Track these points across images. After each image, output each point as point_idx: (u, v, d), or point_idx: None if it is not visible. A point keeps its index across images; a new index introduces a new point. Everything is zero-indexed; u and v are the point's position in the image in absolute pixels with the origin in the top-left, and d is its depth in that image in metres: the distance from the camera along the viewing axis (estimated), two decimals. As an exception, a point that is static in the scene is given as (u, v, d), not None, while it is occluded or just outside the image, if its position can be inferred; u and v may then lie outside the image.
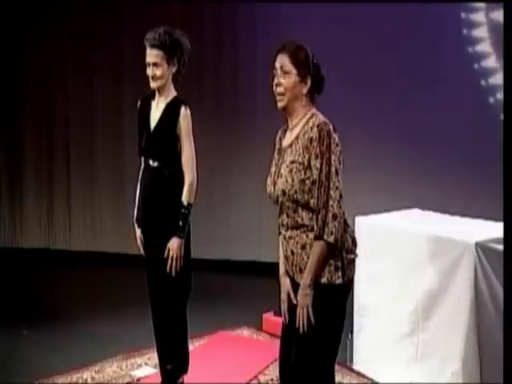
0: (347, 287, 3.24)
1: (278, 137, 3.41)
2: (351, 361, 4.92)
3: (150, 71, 4.18)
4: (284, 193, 3.20)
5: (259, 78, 7.36)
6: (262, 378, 4.86)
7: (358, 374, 4.73)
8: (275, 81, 3.24)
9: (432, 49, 6.66)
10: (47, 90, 7.94)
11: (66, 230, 8.06)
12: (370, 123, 6.87)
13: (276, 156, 3.36)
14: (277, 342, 3.43)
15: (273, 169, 3.34)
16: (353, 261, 3.25)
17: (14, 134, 8.03)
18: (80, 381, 4.86)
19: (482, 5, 6.62)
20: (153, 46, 4.13)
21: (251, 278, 6.82)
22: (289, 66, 3.21)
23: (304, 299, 3.13)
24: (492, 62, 6.61)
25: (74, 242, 8.04)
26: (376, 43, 6.79)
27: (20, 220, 8.15)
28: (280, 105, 3.25)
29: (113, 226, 7.85)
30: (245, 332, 5.73)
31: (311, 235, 3.16)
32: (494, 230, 4.28)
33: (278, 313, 5.44)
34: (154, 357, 4.83)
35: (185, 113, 4.18)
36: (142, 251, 4.40)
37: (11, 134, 8.03)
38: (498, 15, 6.33)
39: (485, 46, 6.64)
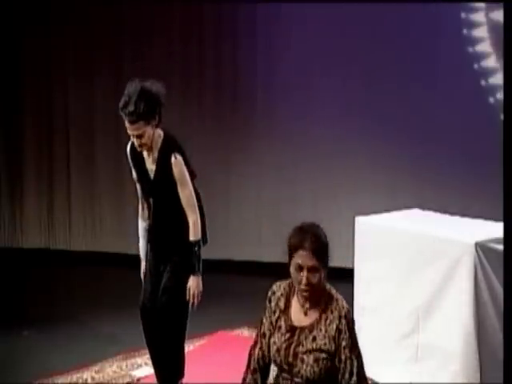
0: None
1: (274, 301, 3.25)
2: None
3: (135, 141, 4.13)
4: (309, 381, 3.06)
5: (259, 78, 7.37)
6: (261, 378, 4.85)
7: (358, 373, 4.72)
8: (304, 280, 3.00)
9: (432, 49, 6.66)
10: (47, 89, 7.93)
11: (66, 230, 8.05)
12: (369, 123, 6.86)
13: (284, 331, 3.15)
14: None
15: (281, 343, 3.12)
16: None
17: (14, 134, 8.02)
18: (80, 381, 4.86)
19: (482, 5, 6.63)
20: (132, 122, 4.04)
21: (251, 278, 6.80)
22: (316, 263, 3.00)
23: None
24: (492, 61, 6.61)
25: (74, 242, 8.03)
26: (376, 43, 6.79)
27: (20, 220, 8.14)
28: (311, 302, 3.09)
29: (113, 226, 7.84)
30: (245, 332, 5.72)
31: None
32: (493, 229, 4.28)
33: (278, 313, 5.43)
34: (154, 357, 4.83)
35: (175, 161, 4.16)
36: (143, 283, 4.44)
37: (11, 133, 8.02)
38: (498, 15, 6.33)
39: (485, 46, 6.64)
